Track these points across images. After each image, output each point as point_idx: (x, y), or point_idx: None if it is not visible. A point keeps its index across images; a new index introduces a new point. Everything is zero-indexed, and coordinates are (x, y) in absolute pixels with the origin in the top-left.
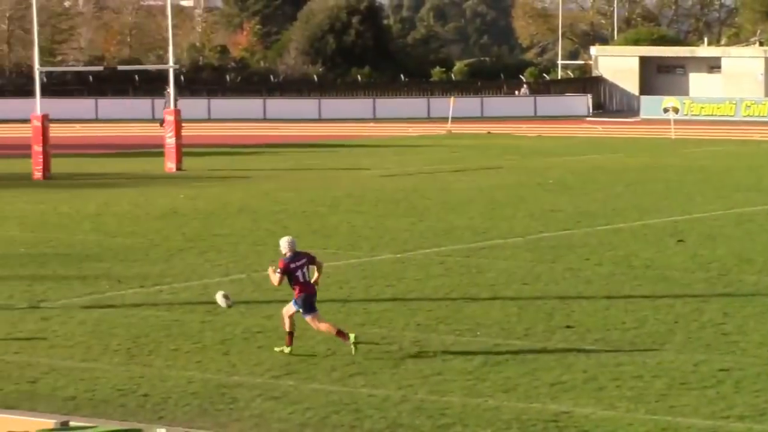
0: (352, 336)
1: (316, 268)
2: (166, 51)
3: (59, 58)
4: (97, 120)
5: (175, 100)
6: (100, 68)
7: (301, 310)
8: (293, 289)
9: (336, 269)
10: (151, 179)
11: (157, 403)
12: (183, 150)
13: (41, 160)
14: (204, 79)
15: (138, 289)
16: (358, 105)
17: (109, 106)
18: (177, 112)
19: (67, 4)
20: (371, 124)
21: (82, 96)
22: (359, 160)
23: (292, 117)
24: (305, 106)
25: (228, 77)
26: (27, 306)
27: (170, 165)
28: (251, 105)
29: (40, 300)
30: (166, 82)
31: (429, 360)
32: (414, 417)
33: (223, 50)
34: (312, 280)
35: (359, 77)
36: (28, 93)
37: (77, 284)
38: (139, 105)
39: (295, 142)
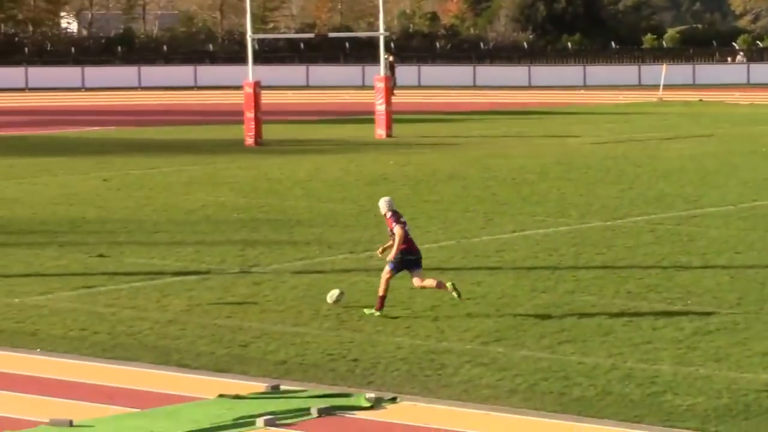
0: (449, 284)
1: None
2: (377, 18)
3: (271, 25)
4: (308, 87)
5: (393, 68)
6: (311, 35)
7: (394, 271)
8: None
9: (545, 236)
10: (362, 146)
11: (366, 369)
12: (393, 117)
13: (253, 126)
14: (414, 46)
15: (348, 255)
16: (568, 72)
17: (320, 72)
18: (387, 79)
19: None
20: (581, 92)
21: (293, 63)
22: (569, 127)
23: (501, 84)
24: (515, 73)
25: (438, 44)
26: (239, 271)
27: (380, 132)
28: (461, 72)
29: (251, 265)
30: (376, 49)
31: (639, 328)
32: (623, 385)
33: (434, 17)
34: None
35: (569, 44)
36: (241, 60)
37: (288, 249)
38: (350, 72)
39: (504, 110)
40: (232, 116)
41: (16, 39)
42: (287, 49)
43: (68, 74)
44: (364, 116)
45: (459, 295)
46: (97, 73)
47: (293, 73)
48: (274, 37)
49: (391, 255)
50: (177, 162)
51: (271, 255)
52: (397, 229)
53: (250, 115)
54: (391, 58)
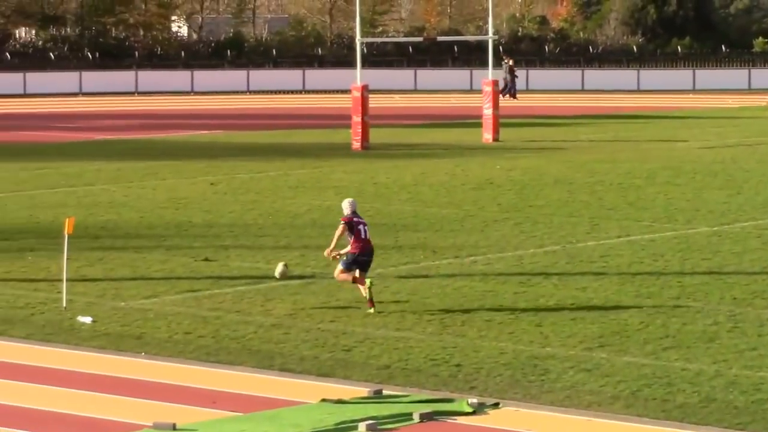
0: (368, 281)
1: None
2: (486, 22)
3: (380, 29)
4: (416, 90)
5: (513, 71)
6: (420, 39)
7: (345, 269)
8: (351, 243)
9: (651, 242)
10: (468, 150)
11: (469, 374)
12: (500, 121)
13: (360, 130)
14: (523, 49)
15: (452, 260)
16: (678, 76)
17: (428, 76)
18: (494, 83)
19: None
20: (690, 96)
21: (401, 66)
22: (677, 131)
23: (610, 88)
24: (624, 77)
25: (547, 48)
26: None
27: (487, 136)
28: (569, 76)
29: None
30: (485, 52)
31: (744, 335)
32: (727, 392)
33: (543, 21)
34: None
35: (679, 48)
36: (349, 64)
37: (393, 254)
38: (458, 75)
39: (612, 114)
40: (340, 120)
41: (127, 43)
42: (395, 53)
43: (178, 78)
44: (471, 120)
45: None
46: (206, 77)
47: (401, 76)
48: (383, 41)
49: (330, 249)
50: (284, 166)
51: (375, 259)
52: (340, 227)
53: (357, 119)
54: (511, 62)
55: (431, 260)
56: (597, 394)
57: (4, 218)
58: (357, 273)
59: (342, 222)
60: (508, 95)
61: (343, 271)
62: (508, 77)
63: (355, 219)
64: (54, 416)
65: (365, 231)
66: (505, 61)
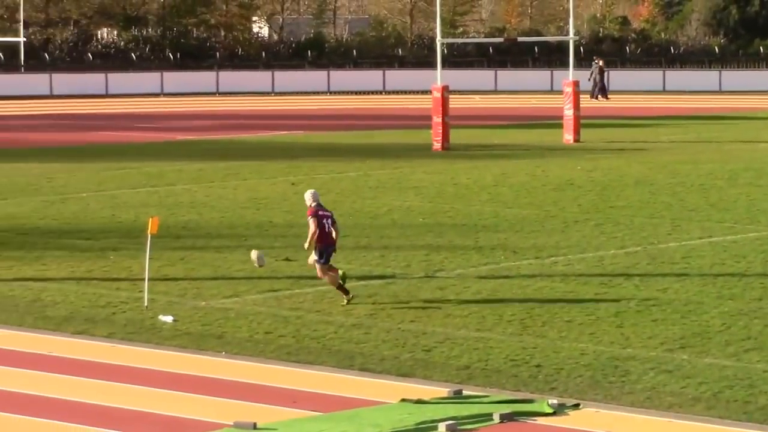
0: (340, 272)
1: (335, 231)
2: (567, 22)
3: (460, 29)
4: (496, 91)
5: (603, 72)
6: (500, 40)
7: (321, 260)
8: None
9: (733, 243)
10: (549, 150)
11: (549, 374)
12: (581, 121)
13: (440, 131)
14: (604, 50)
15: (533, 260)
16: (760, 77)
17: (509, 77)
18: (575, 84)
19: None
20: None
21: (482, 67)
22: (759, 132)
23: (691, 89)
24: (705, 77)
25: (628, 49)
26: (424, 275)
27: (568, 136)
28: (650, 76)
29: (436, 269)
30: (565, 53)
31: None
32: None
33: (624, 21)
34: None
35: (761, 48)
36: (429, 64)
37: (473, 254)
38: (538, 76)
39: (694, 115)
40: (420, 121)
41: (208, 44)
42: (476, 54)
43: (258, 78)
44: (552, 121)
45: (346, 293)
46: (286, 78)
47: (481, 77)
48: (464, 42)
49: (307, 244)
50: (364, 166)
51: (455, 260)
52: (310, 222)
53: (437, 119)
54: (601, 63)
55: (512, 261)
56: (678, 396)
57: (86, 218)
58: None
59: (310, 217)
60: (599, 96)
61: (322, 268)
62: (598, 77)
63: (320, 212)
64: (135, 415)
65: (329, 225)
66: (596, 61)
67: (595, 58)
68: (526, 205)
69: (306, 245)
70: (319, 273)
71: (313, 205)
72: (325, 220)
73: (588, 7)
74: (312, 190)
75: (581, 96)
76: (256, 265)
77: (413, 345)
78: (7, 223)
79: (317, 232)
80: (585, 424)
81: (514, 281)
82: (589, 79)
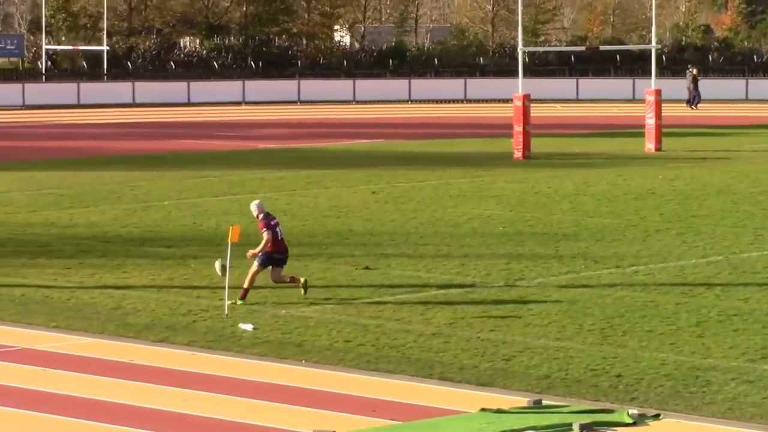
0: (302, 279)
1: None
2: (649, 31)
3: (542, 38)
4: (577, 100)
5: (696, 81)
6: (582, 48)
7: (260, 267)
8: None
9: None
10: (630, 159)
11: (629, 384)
12: (663, 130)
13: (521, 139)
14: (686, 59)
15: (613, 269)
16: None
17: (590, 85)
18: (657, 92)
19: None
20: None
21: (563, 76)
22: None
23: None
24: None
25: (710, 57)
26: (504, 284)
27: (649, 145)
28: (733, 85)
29: (516, 278)
30: (647, 62)
31: None
32: None
33: (707, 30)
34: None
35: None
36: (511, 73)
37: (553, 263)
38: (620, 85)
39: None
40: (501, 129)
41: (290, 52)
42: (557, 62)
43: (340, 87)
44: (634, 129)
45: (305, 291)
46: (368, 86)
47: (563, 86)
48: (545, 50)
49: (256, 251)
50: (445, 175)
51: (536, 269)
52: (266, 234)
53: (518, 128)
54: (695, 71)
55: (592, 270)
56: (760, 407)
57: (168, 226)
58: (284, 275)
59: (265, 229)
60: (693, 104)
61: (259, 268)
62: (692, 86)
63: (272, 222)
64: (215, 423)
65: (281, 233)
66: (690, 69)
67: (689, 66)
68: (606, 214)
69: (251, 253)
70: (252, 271)
71: (262, 216)
72: (277, 229)
73: (670, 16)
74: (257, 201)
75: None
76: (219, 274)
77: (493, 354)
78: (90, 230)
79: (271, 240)
80: None
81: (595, 290)
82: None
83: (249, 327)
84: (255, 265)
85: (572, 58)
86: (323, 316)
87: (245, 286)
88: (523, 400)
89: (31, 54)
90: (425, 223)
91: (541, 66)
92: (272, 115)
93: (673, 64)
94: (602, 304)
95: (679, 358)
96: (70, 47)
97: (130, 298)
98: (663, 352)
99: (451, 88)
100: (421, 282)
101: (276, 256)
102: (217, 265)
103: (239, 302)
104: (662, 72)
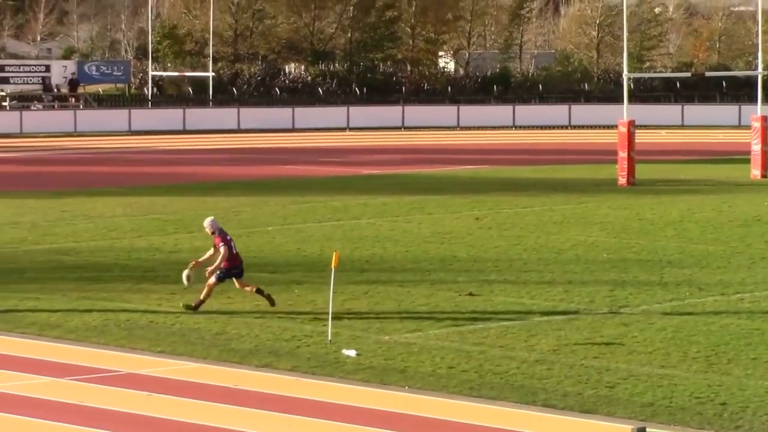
0: (266, 292)
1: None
2: (755, 57)
3: (647, 64)
4: (682, 126)
5: None
6: (687, 74)
7: (218, 281)
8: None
9: None
10: (735, 186)
11: (734, 412)
12: None
13: (626, 166)
14: None
15: (718, 297)
16: None
17: (696, 112)
18: (763, 119)
19: (657, 10)
20: None
21: (668, 102)
22: None
23: None
24: None
25: None
26: (607, 311)
27: (755, 172)
28: None
29: (620, 305)
30: (753, 88)
31: None
32: None
33: None
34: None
35: None
36: (615, 99)
37: (658, 290)
38: (726, 111)
39: None
40: (606, 155)
41: (394, 78)
42: (663, 88)
43: (444, 113)
44: (740, 156)
45: (272, 303)
46: (472, 112)
47: (668, 112)
48: (651, 76)
49: (213, 267)
50: (549, 201)
51: (640, 296)
52: (222, 249)
53: (623, 154)
54: None
55: (697, 297)
56: None
57: (272, 251)
58: (248, 287)
59: (222, 244)
60: None
61: (216, 282)
62: None
63: (227, 237)
64: None
65: (235, 248)
66: None
67: None
68: (712, 240)
69: (210, 270)
70: (239, 285)
71: (217, 233)
72: (231, 243)
73: None
74: (211, 219)
75: None
76: (185, 284)
77: (596, 381)
78: (194, 256)
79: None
80: None
81: (700, 318)
82: None
83: (352, 353)
84: (212, 279)
85: (677, 84)
86: (427, 342)
87: (202, 298)
88: (627, 428)
89: (138, 80)
90: (529, 249)
91: (646, 92)
92: (376, 141)
93: None
94: (707, 331)
95: None
96: (176, 73)
97: (235, 324)
98: None
99: (555, 114)
100: (524, 308)
101: (234, 270)
102: (184, 274)
103: (186, 309)
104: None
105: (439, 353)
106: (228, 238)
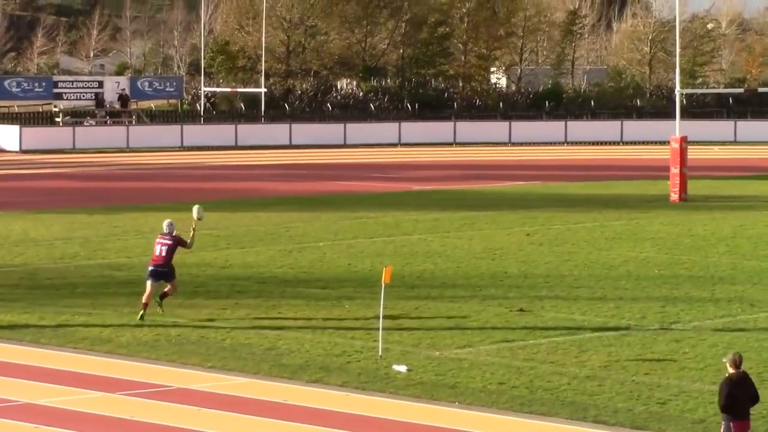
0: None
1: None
2: None
3: (699, 80)
4: (735, 142)
5: None
6: (740, 90)
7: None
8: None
9: None
10: None
11: None
12: None
13: (678, 181)
14: None
15: None
16: None
17: (748, 128)
18: None
19: (709, 26)
20: None
21: (721, 118)
22: None
23: None
24: None
25: None
26: (659, 327)
27: None
28: None
29: (672, 321)
30: None
31: None
32: None
33: None
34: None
35: None
36: (667, 115)
37: (709, 306)
38: None
39: None
40: (658, 171)
41: (446, 94)
42: (715, 104)
43: (495, 129)
44: None
45: (161, 308)
46: (523, 128)
47: (721, 128)
48: (703, 92)
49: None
50: (600, 217)
51: (691, 312)
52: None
53: (675, 170)
54: None
55: (749, 314)
56: None
57: (323, 267)
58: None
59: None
60: None
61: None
62: None
63: (159, 237)
64: None
65: (160, 249)
66: None
67: None
68: (764, 257)
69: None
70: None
71: (174, 233)
72: (159, 246)
73: None
74: (169, 220)
75: None
76: (195, 217)
77: (647, 398)
78: (245, 271)
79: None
80: None
81: (751, 334)
82: None
83: (403, 368)
84: (148, 281)
85: (730, 100)
86: (477, 358)
87: (145, 300)
88: None
89: (190, 96)
90: (580, 265)
91: (698, 108)
92: (428, 157)
93: None
94: (759, 348)
95: None
96: (229, 89)
97: (285, 339)
98: None
99: (607, 130)
100: (575, 324)
101: (160, 270)
102: (195, 210)
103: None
104: None
105: (490, 369)
106: (158, 239)
